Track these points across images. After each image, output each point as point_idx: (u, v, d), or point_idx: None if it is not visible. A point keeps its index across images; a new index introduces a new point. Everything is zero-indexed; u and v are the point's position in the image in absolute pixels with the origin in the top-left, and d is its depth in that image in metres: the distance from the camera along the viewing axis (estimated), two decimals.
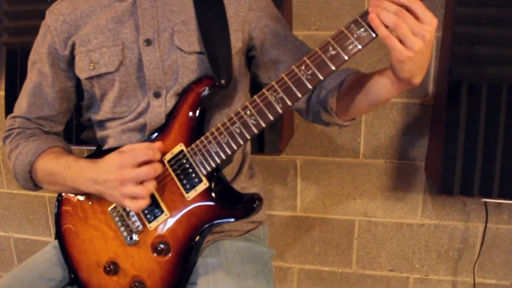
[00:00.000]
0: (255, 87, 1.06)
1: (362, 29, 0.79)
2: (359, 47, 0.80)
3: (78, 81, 1.03)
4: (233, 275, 0.91)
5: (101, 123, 1.03)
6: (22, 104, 1.02)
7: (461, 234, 1.69)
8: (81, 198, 0.98)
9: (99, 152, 1.02)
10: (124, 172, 0.82)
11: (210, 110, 0.97)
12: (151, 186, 0.84)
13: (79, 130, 1.56)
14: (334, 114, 0.94)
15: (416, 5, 0.70)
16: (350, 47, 0.80)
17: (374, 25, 0.73)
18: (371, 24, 0.75)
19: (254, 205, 0.85)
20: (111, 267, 0.92)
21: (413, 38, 0.71)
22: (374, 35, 0.79)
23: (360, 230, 1.77)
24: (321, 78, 0.82)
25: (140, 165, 0.83)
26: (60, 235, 0.99)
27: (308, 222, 1.81)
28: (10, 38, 1.64)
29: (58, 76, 1.01)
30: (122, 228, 0.92)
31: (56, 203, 1.01)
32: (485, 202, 1.52)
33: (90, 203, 0.96)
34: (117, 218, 0.93)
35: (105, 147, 1.02)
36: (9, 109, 1.63)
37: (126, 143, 0.97)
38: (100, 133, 1.04)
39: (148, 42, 0.93)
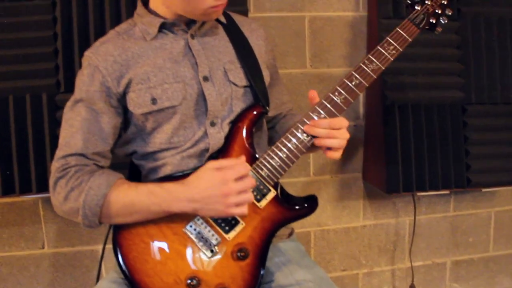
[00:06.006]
0: None
1: (374, 64, 1.09)
2: (374, 76, 1.09)
3: (125, 117, 1.10)
4: (303, 266, 1.08)
5: (152, 155, 1.11)
6: (74, 142, 1.03)
7: (394, 229, 2.07)
8: (145, 226, 1.03)
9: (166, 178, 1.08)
10: (229, 186, 0.94)
11: None
12: (250, 193, 0.98)
13: None
14: None
15: (333, 122, 1.03)
16: (368, 77, 1.09)
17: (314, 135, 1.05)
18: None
19: (318, 202, 1.06)
20: (194, 281, 1.00)
21: (340, 142, 1.05)
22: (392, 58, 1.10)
23: (315, 239, 2.03)
24: (352, 100, 1.08)
25: (237, 179, 0.96)
26: (126, 266, 1.02)
27: None
28: None
29: (110, 112, 1.07)
30: (201, 244, 1.02)
31: (113, 239, 1.04)
32: (413, 196, 1.93)
33: (157, 228, 1.03)
34: (193, 236, 1.02)
35: (161, 174, 1.10)
36: None
37: (185, 169, 1.08)
38: (150, 164, 1.11)
39: (205, 78, 1.08)
